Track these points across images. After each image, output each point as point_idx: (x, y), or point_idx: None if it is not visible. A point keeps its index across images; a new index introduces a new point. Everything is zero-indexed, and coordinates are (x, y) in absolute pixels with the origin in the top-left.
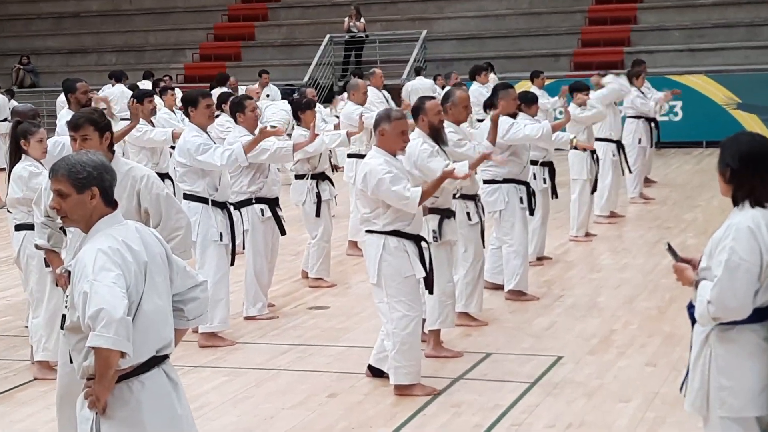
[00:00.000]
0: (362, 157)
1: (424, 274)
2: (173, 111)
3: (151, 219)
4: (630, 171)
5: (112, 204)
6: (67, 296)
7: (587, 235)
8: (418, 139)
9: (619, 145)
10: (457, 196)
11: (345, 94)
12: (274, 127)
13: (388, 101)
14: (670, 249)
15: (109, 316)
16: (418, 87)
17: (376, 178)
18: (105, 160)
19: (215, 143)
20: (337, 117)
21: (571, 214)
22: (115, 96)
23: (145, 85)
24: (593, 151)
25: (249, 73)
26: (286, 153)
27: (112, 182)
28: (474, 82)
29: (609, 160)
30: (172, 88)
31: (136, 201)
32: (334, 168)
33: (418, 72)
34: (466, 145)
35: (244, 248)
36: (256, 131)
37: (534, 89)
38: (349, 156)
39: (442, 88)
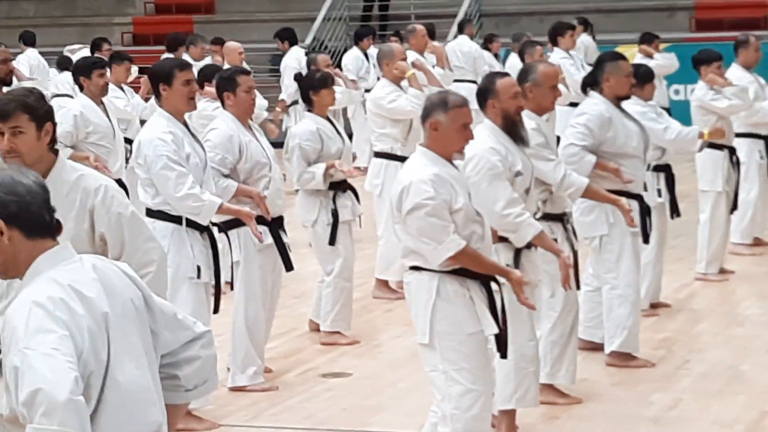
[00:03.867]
0: (394, 158)
1: (495, 330)
2: (121, 88)
3: (109, 249)
4: None
5: (49, 232)
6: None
7: (722, 271)
8: (484, 139)
9: None
10: (537, 215)
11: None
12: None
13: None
14: None
15: (49, 400)
16: (456, 49)
17: (414, 200)
18: (15, 173)
19: (196, 140)
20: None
21: (699, 241)
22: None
23: (80, 51)
24: (733, 151)
25: (223, 31)
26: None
27: (42, 203)
28: (556, 49)
29: (755, 163)
30: (130, 59)
31: (89, 223)
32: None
33: (461, 29)
34: (551, 158)
35: (232, 288)
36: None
37: (641, 58)
38: (377, 155)
39: (496, 56)
